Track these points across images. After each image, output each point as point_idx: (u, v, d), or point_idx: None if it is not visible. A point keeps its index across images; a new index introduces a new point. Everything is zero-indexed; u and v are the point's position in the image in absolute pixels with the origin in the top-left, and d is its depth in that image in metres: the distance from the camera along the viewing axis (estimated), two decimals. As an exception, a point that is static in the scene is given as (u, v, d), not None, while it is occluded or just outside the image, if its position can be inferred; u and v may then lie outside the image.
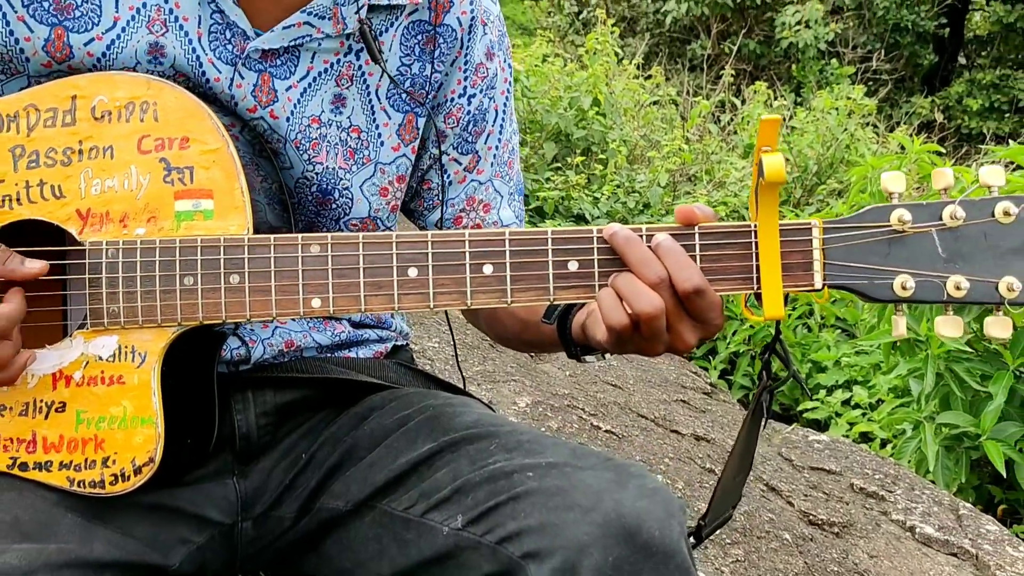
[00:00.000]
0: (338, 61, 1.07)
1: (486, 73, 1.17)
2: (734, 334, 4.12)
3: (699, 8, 10.25)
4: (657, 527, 0.86)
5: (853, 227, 0.92)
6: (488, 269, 0.92)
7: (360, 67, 1.08)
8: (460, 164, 1.20)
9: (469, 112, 1.18)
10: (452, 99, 1.16)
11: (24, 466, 0.94)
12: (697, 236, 0.91)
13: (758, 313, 0.93)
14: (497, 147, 1.22)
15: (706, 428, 2.22)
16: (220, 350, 1.01)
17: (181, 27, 1.00)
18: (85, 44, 0.99)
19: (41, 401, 0.94)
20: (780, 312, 0.90)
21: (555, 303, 0.94)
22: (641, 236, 0.90)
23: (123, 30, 0.99)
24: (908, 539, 2.00)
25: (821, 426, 4.06)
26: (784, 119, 6.38)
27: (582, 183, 4.16)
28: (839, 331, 4.50)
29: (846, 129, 6.11)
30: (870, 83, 10.35)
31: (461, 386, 1.26)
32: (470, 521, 0.94)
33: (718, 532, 1.69)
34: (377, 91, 1.10)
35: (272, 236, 0.92)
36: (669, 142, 4.56)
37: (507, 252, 0.91)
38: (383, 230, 1.16)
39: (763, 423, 1.03)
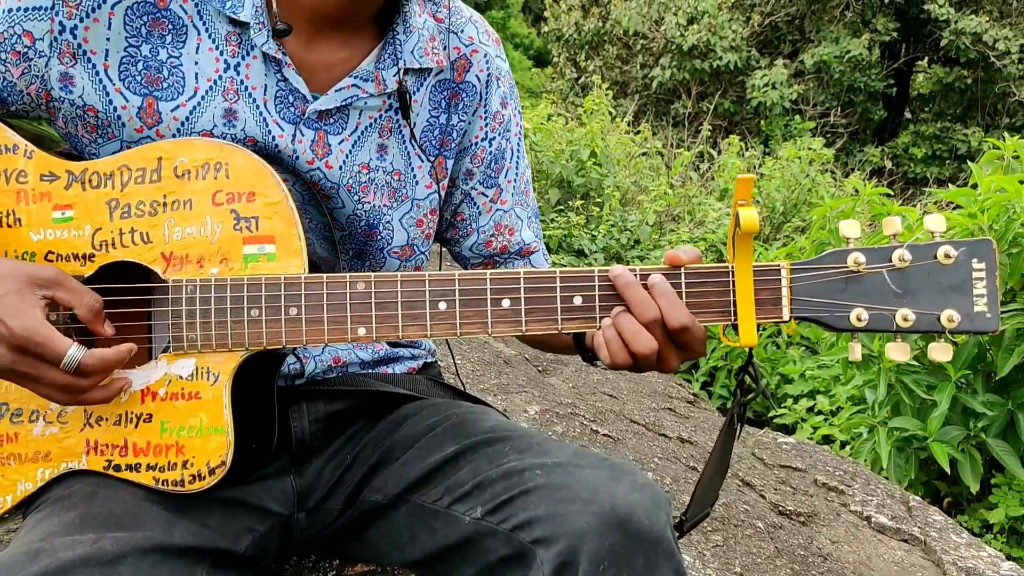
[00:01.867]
0: (380, 116, 1.07)
1: (502, 119, 1.18)
2: (712, 351, 4.10)
3: (681, 74, 10.27)
4: (646, 517, 0.85)
5: (815, 268, 0.92)
6: (506, 303, 0.91)
7: (398, 121, 1.08)
8: (486, 196, 1.20)
9: (491, 152, 1.18)
10: (476, 143, 1.16)
11: (117, 467, 0.94)
12: (683, 276, 0.92)
13: (735, 339, 0.93)
14: (515, 180, 1.23)
15: (690, 432, 2.18)
16: (279, 369, 1.01)
17: (250, 94, 1.01)
18: (172, 110, 0.99)
19: (132, 413, 0.94)
20: (754, 340, 0.91)
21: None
22: (637, 276, 0.90)
23: (203, 98, 1.00)
24: (865, 527, 1.97)
25: (789, 430, 4.02)
26: (754, 167, 6.37)
27: (581, 223, 4.15)
28: (803, 348, 4.48)
29: (808, 175, 6.09)
30: (828, 135, 10.32)
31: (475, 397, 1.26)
32: (488, 512, 0.93)
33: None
34: (412, 140, 1.11)
35: (325, 275, 0.92)
36: (655, 187, 4.54)
37: (522, 288, 0.91)
38: (419, 255, 1.16)
39: (738, 433, 1.02)
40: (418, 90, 1.09)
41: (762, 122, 10.53)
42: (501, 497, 0.92)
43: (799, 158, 6.24)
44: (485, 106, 1.15)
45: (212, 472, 0.93)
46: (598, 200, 4.46)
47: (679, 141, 8.26)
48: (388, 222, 1.10)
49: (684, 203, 5.33)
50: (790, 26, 11.60)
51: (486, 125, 1.16)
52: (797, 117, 10.61)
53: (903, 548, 1.97)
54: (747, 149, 7.03)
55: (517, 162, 1.22)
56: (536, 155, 4.62)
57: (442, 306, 0.91)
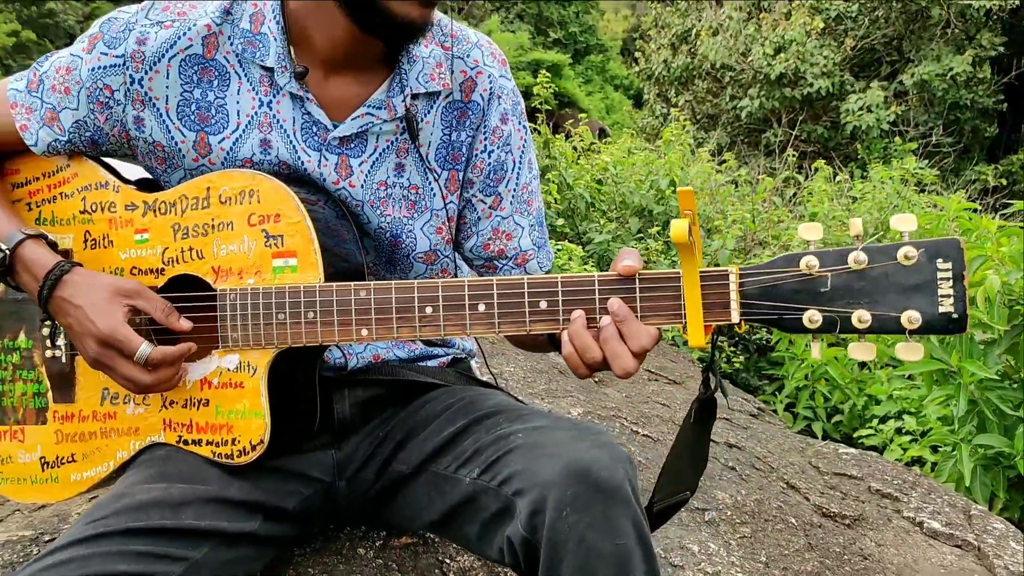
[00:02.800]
0: (396, 139, 1.17)
1: (502, 134, 1.23)
2: (795, 372, 4.00)
3: (770, 103, 10.04)
4: (604, 470, 0.92)
5: (766, 272, 0.93)
6: (482, 307, 1.00)
7: (413, 145, 1.18)
8: (485, 203, 1.26)
9: (489, 164, 1.23)
10: (476, 154, 1.22)
11: (185, 442, 1.10)
12: (637, 282, 0.96)
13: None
14: (516, 189, 1.28)
15: (740, 438, 2.16)
16: (320, 361, 1.12)
17: (281, 126, 1.13)
18: (219, 142, 1.13)
19: (194, 398, 1.09)
20: (701, 342, 0.93)
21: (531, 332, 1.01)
22: (596, 286, 0.98)
23: (243, 131, 1.13)
24: (916, 532, 1.91)
25: (878, 452, 3.86)
26: (844, 191, 6.20)
27: (660, 249, 4.18)
28: (891, 368, 4.29)
29: (901, 195, 5.88)
30: (933, 155, 9.83)
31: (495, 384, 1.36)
32: (482, 472, 1.04)
33: (728, 513, 1.69)
34: (427, 157, 1.20)
35: (335, 284, 1.04)
36: (733, 213, 4.51)
37: (495, 294, 0.99)
38: (443, 258, 1.27)
39: (710, 425, 1.07)
40: (428, 112, 1.18)
41: (858, 146, 10.16)
42: (491, 459, 1.03)
43: (891, 179, 6.03)
44: (485, 121, 1.21)
45: (254, 448, 1.07)
46: (659, 229, 4.48)
47: (771, 169, 8.10)
48: (410, 231, 1.21)
49: (768, 228, 5.26)
50: (887, 47, 11.19)
51: (485, 139, 1.22)
52: (897, 139, 10.19)
53: (954, 553, 1.90)
54: (837, 173, 6.86)
55: (519, 173, 1.27)
56: (617, 186, 4.70)
57: (428, 310, 1.02)
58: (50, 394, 1.15)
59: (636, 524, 0.93)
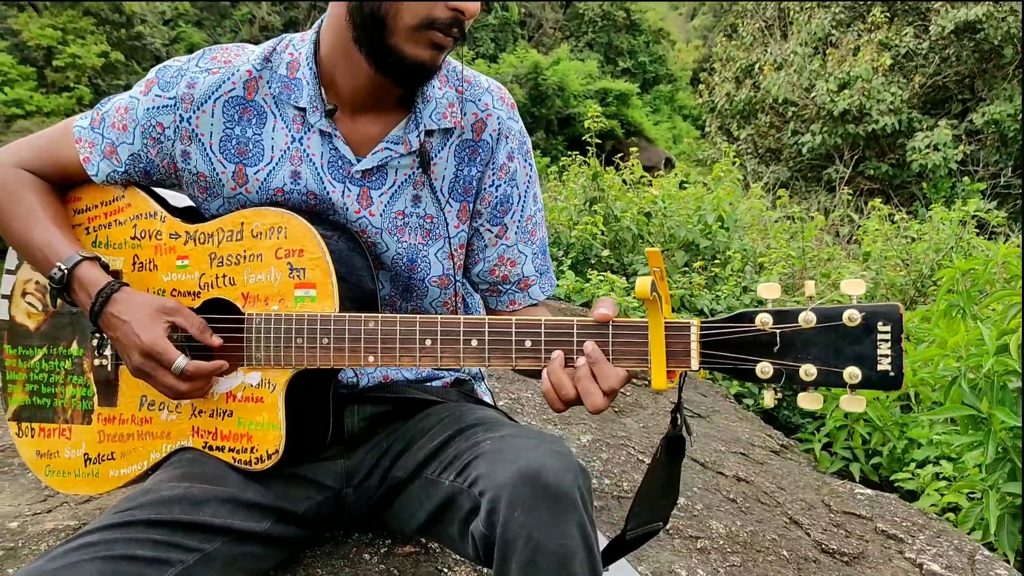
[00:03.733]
0: (413, 173, 1.29)
1: (508, 170, 1.34)
2: (833, 411, 3.97)
3: (832, 139, 9.91)
4: (554, 476, 1.01)
5: (725, 326, 1.01)
6: (474, 343, 1.10)
7: (428, 178, 1.30)
8: (492, 232, 1.36)
9: (496, 197, 1.34)
10: (485, 188, 1.33)
11: (210, 448, 1.22)
12: (611, 328, 1.06)
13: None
14: (520, 221, 1.38)
15: (752, 474, 2.19)
16: (334, 380, 1.24)
17: (310, 159, 1.25)
18: (255, 174, 1.25)
19: (220, 409, 1.22)
20: (663, 385, 1.02)
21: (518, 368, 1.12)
22: (575, 330, 1.07)
23: (276, 163, 1.26)
24: (915, 574, 1.92)
25: (914, 496, 3.79)
26: (900, 231, 6.11)
27: (702, 283, 4.21)
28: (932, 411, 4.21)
29: (960, 237, 5.77)
30: (1002, 196, 9.55)
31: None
32: (456, 475, 1.14)
33: (720, 543, 1.74)
34: (442, 189, 1.31)
35: (347, 315, 1.15)
36: (775, 251, 4.51)
37: (487, 332, 1.10)
38: (455, 283, 1.37)
39: (679, 460, 1.14)
40: (442, 149, 1.29)
41: (924, 184, 9.95)
42: (465, 463, 1.13)
43: (950, 220, 5.93)
44: (493, 158, 1.32)
45: (269, 457, 1.19)
46: (716, 263, 4.50)
47: (831, 206, 8.02)
48: (425, 256, 1.32)
49: (818, 266, 5.23)
50: (959, 85, 10.94)
51: (493, 174, 1.33)
52: (966, 179, 9.93)
53: (948, 596, 1.91)
54: (895, 212, 6.76)
55: (523, 206, 1.38)
56: (665, 220, 4.76)
57: (428, 343, 1.12)
58: (96, 398, 1.30)
59: (581, 527, 1.00)
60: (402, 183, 1.29)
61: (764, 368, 0.99)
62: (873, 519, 2.11)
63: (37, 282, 1.36)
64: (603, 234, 4.72)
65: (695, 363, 1.03)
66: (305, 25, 28.85)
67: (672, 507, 1.16)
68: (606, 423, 2.26)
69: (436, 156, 1.30)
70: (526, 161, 1.38)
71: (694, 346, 1.03)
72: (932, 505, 3.58)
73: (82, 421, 1.31)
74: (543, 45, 35.14)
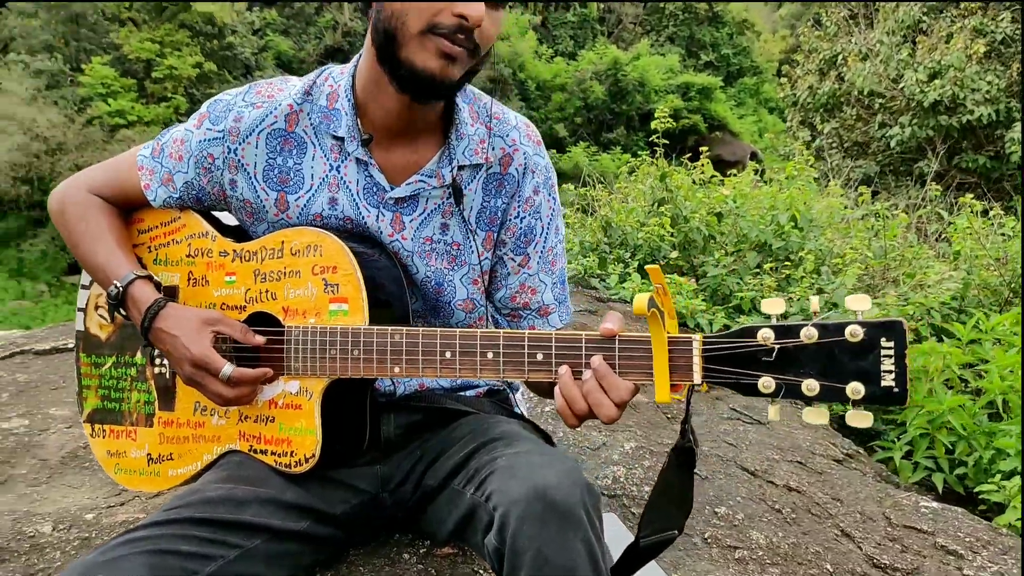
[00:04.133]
0: (442, 203, 1.37)
1: (533, 203, 1.42)
2: (914, 419, 3.83)
3: (923, 131, 9.46)
4: (561, 493, 1.05)
5: (727, 341, 1.04)
6: (490, 355, 1.16)
7: (456, 208, 1.37)
8: (515, 261, 1.44)
9: (521, 228, 1.42)
10: (510, 219, 1.41)
11: (255, 451, 1.32)
12: (617, 343, 1.10)
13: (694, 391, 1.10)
14: (542, 252, 1.45)
15: (806, 484, 2.15)
16: (371, 390, 1.33)
17: (347, 186, 1.34)
18: (295, 200, 1.35)
19: (263, 415, 1.32)
20: (667, 398, 1.06)
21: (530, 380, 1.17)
22: (583, 345, 1.12)
23: (315, 191, 1.34)
24: (972, 592, 1.87)
25: (1001, 509, 3.63)
26: (993, 228, 5.83)
27: (773, 286, 4.13)
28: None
29: (1059, 235, 5.47)
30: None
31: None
32: (476, 488, 1.20)
33: (759, 553, 1.73)
34: (469, 219, 1.39)
35: (375, 328, 1.23)
36: (850, 251, 4.38)
37: (501, 345, 1.15)
38: (479, 307, 1.45)
39: (691, 471, 1.16)
40: (472, 181, 1.38)
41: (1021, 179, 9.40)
42: (483, 477, 1.19)
43: (1049, 216, 5.64)
44: (519, 192, 1.40)
45: (307, 460, 1.28)
46: (786, 263, 4.40)
47: (923, 201, 7.70)
48: (450, 281, 1.41)
49: (901, 266, 5.04)
50: (1065, 72, 10.29)
51: (519, 206, 1.41)
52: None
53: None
54: (990, 208, 6.46)
55: (546, 238, 1.45)
56: (736, 220, 4.69)
57: (447, 355, 1.19)
58: (157, 403, 1.42)
59: (587, 543, 1.05)
60: (432, 211, 1.37)
61: (766, 382, 1.02)
62: (935, 534, 2.06)
63: (103, 297, 1.48)
64: (672, 235, 4.68)
65: (697, 377, 1.06)
66: (387, 29, 29.34)
67: (686, 517, 1.18)
68: (654, 430, 2.28)
69: (465, 188, 1.37)
70: (550, 195, 1.45)
71: (696, 360, 1.06)
72: (1018, 519, 3.43)
73: (145, 424, 1.43)
74: (623, 41, 34.85)
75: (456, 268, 1.41)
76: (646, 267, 1.06)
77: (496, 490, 1.13)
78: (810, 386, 1.00)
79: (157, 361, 1.41)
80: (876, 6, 10.63)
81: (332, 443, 1.30)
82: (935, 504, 2.26)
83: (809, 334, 1.00)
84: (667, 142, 4.95)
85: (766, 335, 1.02)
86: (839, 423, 4.05)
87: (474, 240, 1.40)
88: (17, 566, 1.47)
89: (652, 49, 33.49)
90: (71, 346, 2.70)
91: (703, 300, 4.25)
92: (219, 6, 23.55)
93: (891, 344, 0.97)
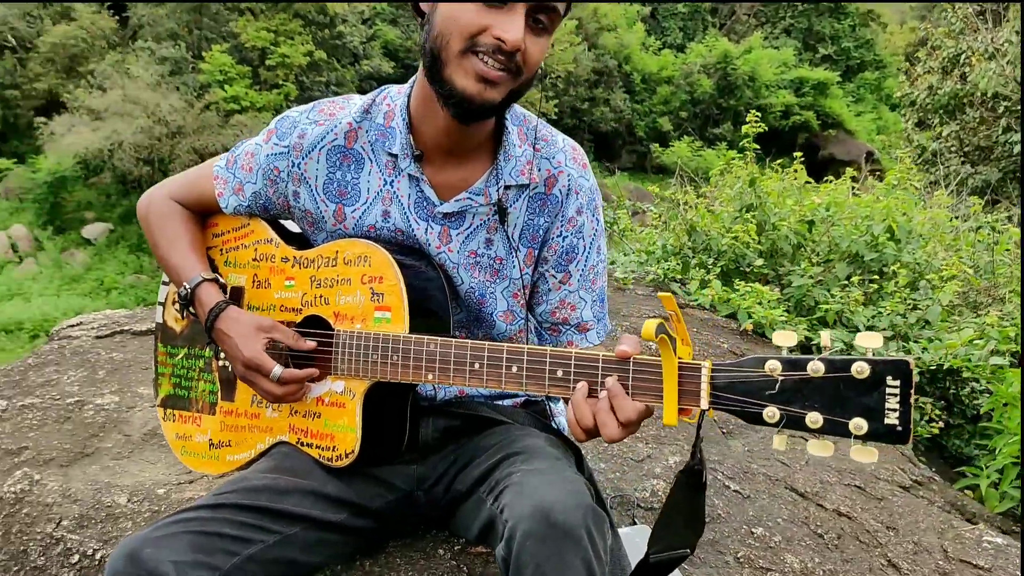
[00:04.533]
0: (488, 219, 1.45)
1: (576, 223, 1.48)
2: (1004, 447, 3.66)
3: (1049, 138, 8.87)
4: (563, 512, 1.12)
5: (735, 370, 1.06)
6: (514, 369, 1.23)
7: (501, 225, 1.45)
8: (556, 278, 1.51)
9: (563, 247, 1.48)
10: (552, 238, 1.48)
11: (302, 443, 1.44)
12: (631, 365, 1.15)
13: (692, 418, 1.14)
14: (584, 270, 1.51)
15: (860, 509, 2.11)
16: (412, 393, 1.42)
17: (399, 200, 1.44)
18: (351, 212, 1.45)
19: (311, 411, 1.43)
20: (674, 421, 1.10)
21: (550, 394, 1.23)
22: (600, 366, 1.17)
23: (370, 204, 1.44)
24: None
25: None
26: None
27: (860, 299, 4.01)
28: None
29: None
30: None
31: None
32: (494, 500, 1.28)
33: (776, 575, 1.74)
34: (512, 235, 1.46)
35: (413, 336, 1.32)
36: (946, 267, 4.19)
37: (525, 360, 1.22)
38: (519, 319, 1.52)
39: (703, 491, 1.20)
40: (517, 200, 1.45)
41: None
42: (499, 491, 1.27)
43: None
44: (562, 212, 1.47)
45: (347, 456, 1.39)
46: (874, 277, 4.26)
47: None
48: (492, 293, 1.49)
49: (1012, 283, 4.80)
50: None
51: (561, 226, 1.47)
52: None
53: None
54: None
55: (587, 257, 1.51)
56: (828, 228, 4.57)
57: (476, 366, 1.27)
58: (220, 393, 1.56)
59: (586, 562, 1.11)
60: (478, 227, 1.46)
61: (771, 413, 1.04)
62: (992, 570, 2.00)
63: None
64: (758, 243, 4.61)
65: (704, 403, 1.10)
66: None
67: (698, 536, 1.22)
68: (707, 445, 2.29)
69: (511, 206, 1.45)
70: (593, 216, 1.51)
71: (704, 387, 1.10)
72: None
73: (209, 412, 1.58)
74: (735, 33, 33.99)
75: (498, 281, 1.49)
76: (659, 295, 1.11)
77: (507, 504, 1.20)
78: (814, 419, 1.02)
79: (221, 355, 1.55)
80: (1005, 3, 10.01)
81: (373, 442, 1.40)
82: (999, 539, 2.19)
83: (816, 368, 1.02)
84: (757, 147, 4.86)
85: (773, 366, 1.05)
86: (932, 444, 3.92)
87: (516, 256, 1.47)
88: (93, 532, 1.66)
89: (766, 42, 32.51)
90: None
91: (784, 311, 4.18)
92: (333, -4, 24.35)
93: (897, 383, 0.98)
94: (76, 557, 1.66)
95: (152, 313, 3.28)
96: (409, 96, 1.43)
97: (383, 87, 1.52)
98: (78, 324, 3.16)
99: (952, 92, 10.11)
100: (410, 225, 1.45)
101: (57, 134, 21.23)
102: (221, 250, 1.59)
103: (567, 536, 1.11)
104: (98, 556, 1.66)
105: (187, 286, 1.47)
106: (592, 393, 1.18)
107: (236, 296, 1.54)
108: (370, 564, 1.54)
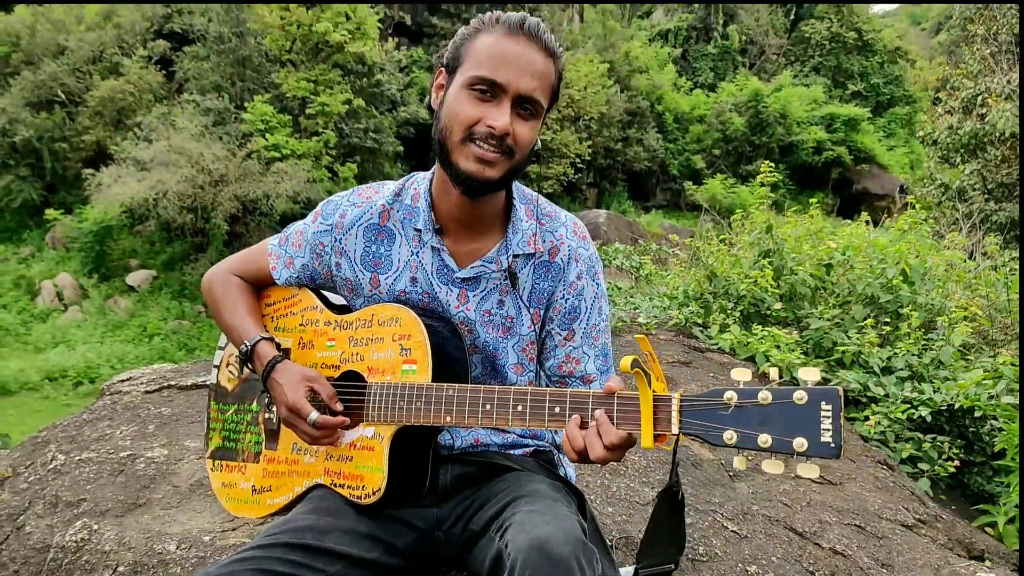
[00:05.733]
0: (500, 283, 1.66)
1: (576, 287, 1.69)
2: (1015, 484, 3.74)
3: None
4: (556, 546, 1.29)
5: (699, 400, 1.27)
6: (519, 408, 1.43)
7: (511, 288, 1.66)
8: (561, 335, 1.71)
9: (565, 308, 1.69)
10: (556, 300, 1.68)
11: (335, 484, 1.63)
12: (616, 399, 1.35)
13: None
14: (586, 328, 1.71)
15: (856, 548, 2.18)
16: (434, 442, 1.63)
17: (424, 268, 1.66)
18: (384, 279, 1.67)
19: (344, 455, 1.63)
20: (650, 445, 1.30)
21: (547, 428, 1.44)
22: (590, 402, 1.38)
23: (400, 272, 1.67)
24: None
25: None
26: None
27: (875, 341, 4.15)
28: None
29: None
30: None
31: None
32: (500, 536, 1.46)
33: None
34: (521, 297, 1.68)
35: (434, 384, 1.53)
36: (956, 309, 4.31)
37: (528, 401, 1.43)
38: (528, 371, 1.72)
39: (682, 510, 1.38)
40: (525, 267, 1.67)
41: None
42: (505, 527, 1.46)
43: None
44: (565, 277, 1.68)
45: (374, 494, 1.57)
46: (889, 318, 4.38)
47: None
48: (504, 347, 1.70)
49: (1027, 322, 4.88)
50: None
51: (564, 289, 1.68)
52: None
53: None
54: None
55: (589, 316, 1.71)
56: (845, 272, 4.73)
57: (487, 407, 1.47)
58: (264, 443, 1.79)
59: None
60: (491, 289, 1.68)
61: (729, 435, 1.24)
62: (982, 601, 2.12)
63: (234, 356, 1.88)
64: (777, 287, 4.77)
65: (675, 427, 1.29)
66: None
67: (680, 552, 1.41)
68: (704, 488, 2.44)
69: (519, 272, 1.67)
70: (593, 281, 1.72)
71: (675, 415, 1.30)
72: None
73: (254, 460, 1.80)
74: (765, 72, 34.31)
75: (509, 337, 1.70)
76: (636, 336, 1.31)
77: (511, 539, 1.38)
78: (764, 439, 1.21)
79: (268, 409, 1.78)
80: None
81: (398, 483, 1.60)
82: (992, 575, 2.31)
83: (764, 396, 1.22)
84: (772, 195, 5.04)
85: (730, 396, 1.25)
86: (955, 480, 3.99)
87: (526, 315, 1.69)
88: (147, 579, 1.88)
89: (795, 80, 32.73)
90: (208, 383, 3.19)
91: (802, 353, 4.32)
92: (369, 46, 25.10)
93: (829, 407, 1.18)
94: (132, 600, 1.88)
95: (196, 367, 3.54)
96: (431, 180, 1.67)
97: (412, 174, 1.76)
98: (128, 379, 3.43)
99: (972, 132, 10.19)
100: (433, 289, 1.67)
101: (104, 184, 22.05)
102: (272, 317, 1.83)
103: (560, 565, 1.28)
104: (151, 599, 1.87)
105: (247, 343, 1.70)
106: (583, 425, 1.38)
107: (284, 356, 1.76)
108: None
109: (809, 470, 1.20)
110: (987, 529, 3.60)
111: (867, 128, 30.56)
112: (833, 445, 1.18)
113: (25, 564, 2.07)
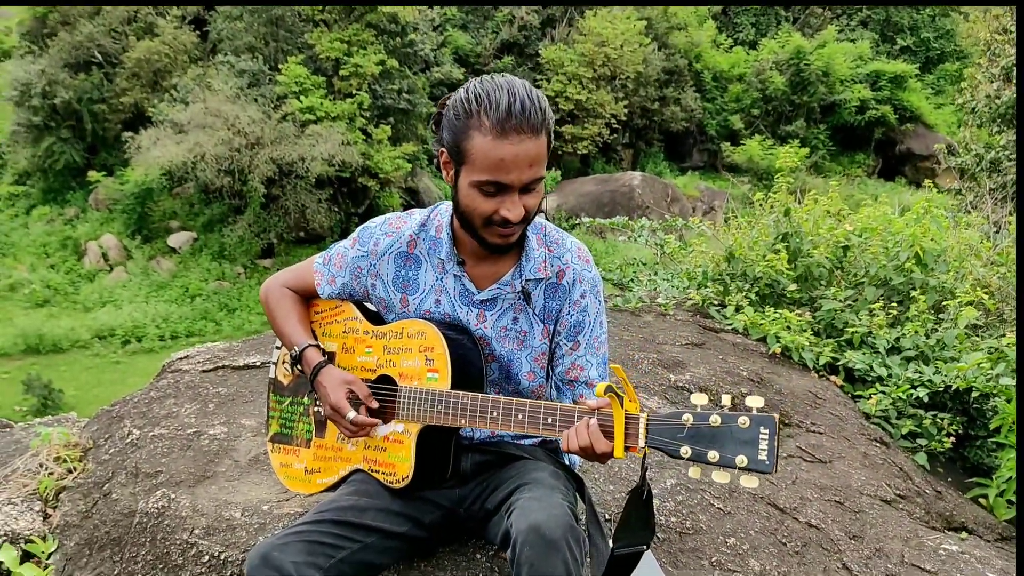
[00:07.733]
0: (515, 303, 1.94)
1: (580, 305, 1.95)
2: (1007, 459, 3.99)
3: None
4: (549, 529, 1.61)
5: (663, 420, 1.53)
6: (520, 416, 1.75)
7: (525, 306, 1.97)
8: (567, 346, 1.98)
9: (571, 322, 1.96)
10: (563, 316, 1.95)
11: (372, 470, 1.98)
12: (596, 415, 1.65)
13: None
14: (589, 339, 1.98)
15: (831, 521, 2.43)
16: (456, 435, 1.96)
17: (447, 291, 1.94)
18: (413, 299, 1.95)
19: (379, 446, 1.97)
20: (621, 455, 1.59)
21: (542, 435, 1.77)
22: (574, 413, 1.69)
23: (426, 294, 1.95)
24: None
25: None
26: None
27: (883, 323, 4.39)
28: None
29: None
30: None
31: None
32: (507, 517, 1.78)
33: None
34: (534, 315, 1.98)
35: (454, 391, 1.85)
36: (961, 292, 4.52)
37: (527, 411, 1.74)
38: (539, 379, 2.03)
39: (649, 504, 1.69)
40: (535, 288, 1.97)
41: None
42: (511, 510, 1.79)
43: None
44: (569, 297, 1.95)
45: (403, 480, 1.92)
46: (900, 300, 4.59)
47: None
48: (518, 358, 2.01)
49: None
50: None
51: (569, 307, 1.96)
52: None
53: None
54: None
55: (591, 330, 1.98)
56: (861, 254, 4.94)
57: (494, 414, 1.79)
58: (314, 432, 2.15)
59: (564, 563, 1.59)
60: (506, 308, 1.98)
61: (685, 450, 1.53)
62: (937, 573, 2.43)
63: (288, 355, 2.24)
64: (793, 268, 5.01)
65: (641, 441, 1.59)
66: (561, 22, 30.31)
67: (651, 536, 1.72)
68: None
69: (532, 293, 1.98)
70: (596, 299, 2.00)
71: (642, 431, 1.59)
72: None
73: (306, 446, 2.17)
74: (809, 27, 33.60)
75: (523, 349, 1.98)
76: (611, 366, 1.62)
77: (514, 522, 1.71)
78: (713, 455, 1.49)
79: (316, 403, 2.14)
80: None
81: (424, 470, 1.95)
82: (955, 547, 2.61)
83: (715, 420, 1.51)
84: (789, 181, 5.24)
85: (686, 418, 1.54)
86: (948, 456, 4.24)
87: (537, 329, 2.00)
88: (218, 539, 2.28)
89: (841, 35, 32.04)
90: (258, 363, 3.61)
91: (812, 333, 4.58)
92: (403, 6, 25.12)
93: (767, 431, 1.47)
94: (206, 558, 2.26)
95: (245, 346, 3.94)
96: (452, 216, 1.99)
97: (437, 204, 2.07)
98: (185, 357, 3.84)
99: (1010, 101, 10.11)
100: (455, 309, 1.99)
101: (144, 147, 22.65)
102: (320, 324, 2.18)
103: (551, 544, 1.59)
104: (222, 557, 2.25)
105: (297, 348, 2.05)
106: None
107: (329, 359, 2.12)
108: (424, 565, 2.08)
109: (749, 481, 1.48)
110: (981, 500, 3.87)
111: (914, 86, 29.92)
112: (768, 462, 1.45)
113: (115, 526, 2.48)
